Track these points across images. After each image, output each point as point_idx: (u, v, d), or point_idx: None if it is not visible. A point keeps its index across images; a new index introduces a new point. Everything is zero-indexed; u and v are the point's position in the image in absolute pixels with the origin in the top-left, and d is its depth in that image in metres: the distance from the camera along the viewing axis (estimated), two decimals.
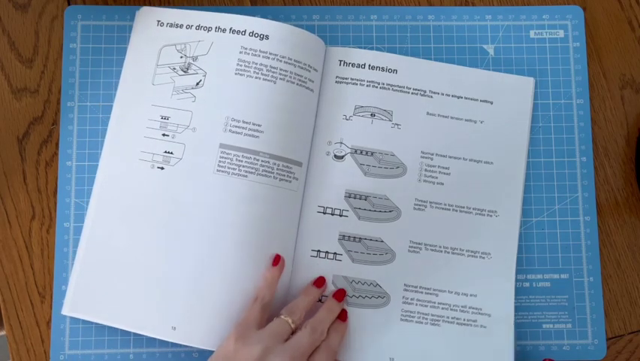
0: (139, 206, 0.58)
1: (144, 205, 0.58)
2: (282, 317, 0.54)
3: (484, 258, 0.59)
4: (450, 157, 0.60)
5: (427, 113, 0.61)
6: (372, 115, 0.60)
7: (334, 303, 0.57)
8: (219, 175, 0.57)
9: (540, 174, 0.62)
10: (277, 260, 0.57)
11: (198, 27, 0.60)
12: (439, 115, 0.61)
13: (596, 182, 0.62)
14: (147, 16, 0.61)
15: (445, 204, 0.60)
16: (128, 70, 0.60)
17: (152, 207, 0.58)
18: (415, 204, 0.59)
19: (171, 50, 0.60)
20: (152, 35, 0.61)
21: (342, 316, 0.58)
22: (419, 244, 0.59)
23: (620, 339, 0.61)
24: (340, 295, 0.58)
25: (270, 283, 0.56)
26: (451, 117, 0.61)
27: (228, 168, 0.57)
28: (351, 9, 0.64)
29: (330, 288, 0.59)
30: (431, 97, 0.61)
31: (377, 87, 0.61)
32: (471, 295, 0.59)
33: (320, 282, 0.58)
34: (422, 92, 0.61)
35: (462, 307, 0.59)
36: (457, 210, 0.60)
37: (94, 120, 0.61)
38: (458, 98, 0.61)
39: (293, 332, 0.55)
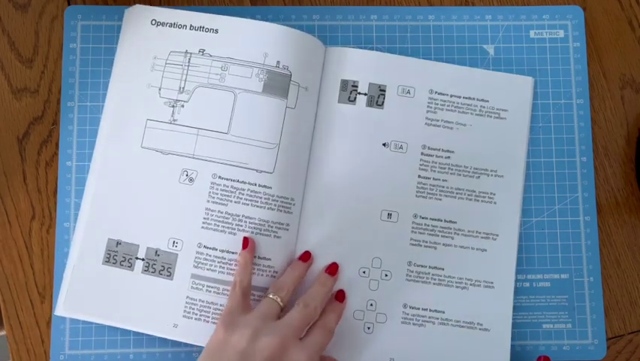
0: (137, 197, 0.58)
1: (142, 196, 0.58)
2: (270, 296, 0.54)
3: (486, 287, 0.60)
4: (448, 166, 0.61)
5: (425, 125, 0.61)
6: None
7: (326, 277, 0.57)
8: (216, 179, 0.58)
9: (540, 174, 0.62)
10: (246, 243, 0.56)
11: (200, 28, 0.60)
12: (438, 119, 0.61)
13: (596, 182, 0.62)
14: (140, 14, 0.61)
15: (443, 220, 0.60)
16: (120, 73, 0.60)
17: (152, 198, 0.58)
18: (413, 224, 0.60)
19: (176, 55, 0.60)
20: (148, 35, 0.61)
21: (340, 296, 0.57)
22: (419, 271, 0.60)
23: (620, 339, 0.61)
24: (333, 269, 0.57)
25: (244, 266, 0.55)
26: (449, 120, 0.61)
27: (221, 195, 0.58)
28: (351, 9, 0.64)
29: (322, 263, 0.59)
30: (430, 97, 0.61)
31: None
32: (472, 314, 0.59)
33: (306, 256, 0.58)
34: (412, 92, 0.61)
35: (463, 320, 0.59)
36: (457, 233, 0.60)
37: (94, 120, 0.61)
38: (457, 97, 0.61)
39: (283, 310, 0.54)
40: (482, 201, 0.60)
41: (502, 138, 0.61)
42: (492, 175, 0.61)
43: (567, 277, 0.61)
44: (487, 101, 0.62)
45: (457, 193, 0.60)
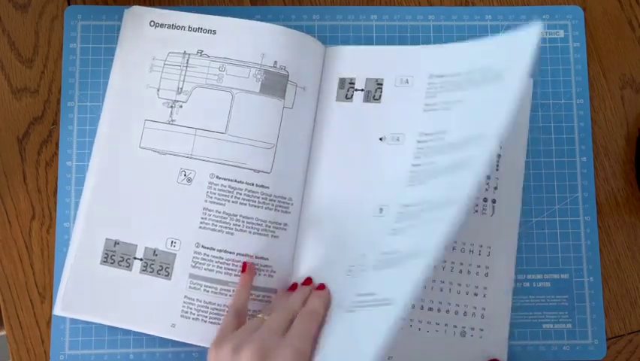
0: (135, 198, 0.58)
1: (140, 196, 0.58)
2: (259, 316, 0.53)
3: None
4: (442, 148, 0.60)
5: (424, 111, 0.60)
6: None
7: (306, 288, 0.56)
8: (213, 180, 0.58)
9: (540, 174, 0.62)
10: (245, 267, 0.57)
11: (198, 29, 0.60)
12: (437, 102, 0.59)
13: (596, 182, 0.62)
14: (139, 15, 0.61)
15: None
16: (119, 74, 0.61)
17: (148, 198, 0.58)
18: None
19: (175, 56, 0.60)
20: (147, 36, 0.61)
21: (320, 286, 0.56)
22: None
23: (620, 339, 0.61)
24: (321, 288, 0.57)
25: (241, 287, 0.56)
26: (448, 100, 0.59)
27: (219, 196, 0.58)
28: (351, 9, 0.64)
29: (321, 264, 0.58)
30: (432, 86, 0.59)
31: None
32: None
33: (294, 287, 0.58)
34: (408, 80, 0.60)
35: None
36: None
37: (94, 120, 0.61)
38: (458, 75, 0.58)
39: None
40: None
41: (500, 106, 0.51)
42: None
43: (567, 277, 0.61)
44: (488, 67, 0.53)
45: None
